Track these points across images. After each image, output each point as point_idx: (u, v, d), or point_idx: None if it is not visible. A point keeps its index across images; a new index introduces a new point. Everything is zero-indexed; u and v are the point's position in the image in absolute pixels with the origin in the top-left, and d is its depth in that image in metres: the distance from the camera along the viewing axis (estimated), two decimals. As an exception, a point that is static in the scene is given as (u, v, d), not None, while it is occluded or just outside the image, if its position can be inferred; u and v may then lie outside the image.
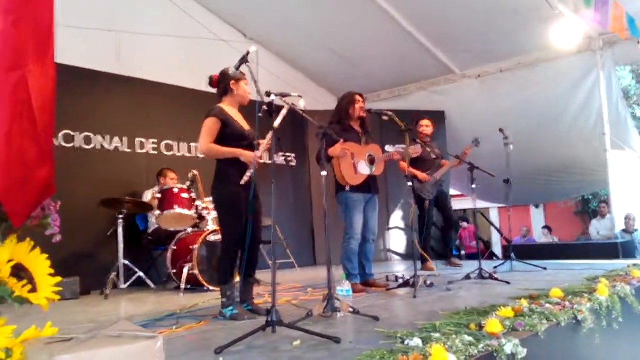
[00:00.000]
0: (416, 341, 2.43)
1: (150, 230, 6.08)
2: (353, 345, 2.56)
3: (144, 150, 6.73)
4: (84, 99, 6.17)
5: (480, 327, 2.69)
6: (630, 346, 3.76)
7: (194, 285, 5.26)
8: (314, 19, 7.90)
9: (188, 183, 5.54)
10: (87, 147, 6.23)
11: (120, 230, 5.40)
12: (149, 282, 5.55)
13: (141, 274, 5.45)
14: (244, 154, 3.44)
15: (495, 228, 10.02)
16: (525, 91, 8.28)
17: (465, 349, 2.30)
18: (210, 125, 3.49)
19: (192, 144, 7.19)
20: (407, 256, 8.82)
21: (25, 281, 1.21)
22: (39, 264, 1.30)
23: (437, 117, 9.21)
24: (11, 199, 1.15)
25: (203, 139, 3.51)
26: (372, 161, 4.69)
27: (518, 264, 6.08)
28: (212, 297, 4.62)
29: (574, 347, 3.04)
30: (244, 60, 3.04)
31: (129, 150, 6.57)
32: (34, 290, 1.25)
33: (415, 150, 4.83)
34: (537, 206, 14.50)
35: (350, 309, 3.27)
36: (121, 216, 5.41)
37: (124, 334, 1.21)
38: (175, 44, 7.19)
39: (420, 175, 6.24)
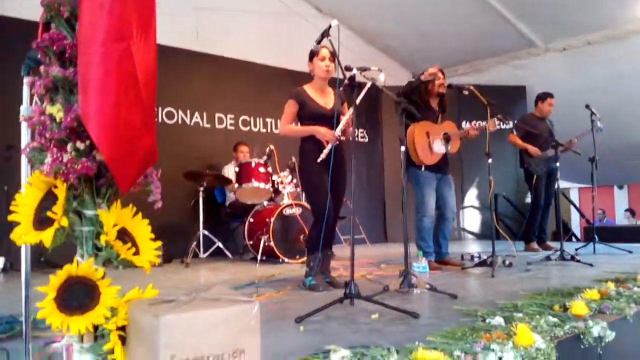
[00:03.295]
0: (498, 320, 2.39)
1: (227, 203, 6.26)
2: (432, 320, 2.55)
3: (222, 126, 6.91)
4: (166, 75, 6.37)
5: (565, 308, 2.62)
6: None
7: (270, 257, 5.40)
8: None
9: (265, 157, 5.64)
10: (169, 121, 6.46)
11: (200, 201, 5.59)
12: (227, 252, 5.73)
13: (220, 244, 5.64)
14: (319, 131, 3.47)
15: (577, 209, 9.60)
16: (613, 66, 7.81)
17: (550, 329, 2.24)
18: (289, 107, 3.63)
19: (268, 119, 7.31)
20: (481, 235, 8.64)
21: (129, 244, 1.28)
22: (141, 228, 1.37)
23: (519, 93, 8.90)
24: (119, 166, 1.21)
25: (281, 121, 3.71)
26: (447, 139, 4.60)
27: (601, 246, 5.83)
28: (287, 269, 4.72)
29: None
30: (325, 34, 3.03)
31: (208, 126, 6.77)
32: (136, 253, 1.32)
33: (494, 125, 4.64)
34: (620, 187, 13.77)
35: (427, 286, 3.25)
36: (202, 188, 5.60)
37: (222, 297, 1.26)
38: (251, 21, 7.27)
39: (532, 149, 6.06)
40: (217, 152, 6.68)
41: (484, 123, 4.51)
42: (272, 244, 5.25)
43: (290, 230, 5.43)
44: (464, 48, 8.86)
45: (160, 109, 6.37)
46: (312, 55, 3.60)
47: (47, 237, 1.19)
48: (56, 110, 1.24)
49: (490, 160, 4.36)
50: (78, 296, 1.23)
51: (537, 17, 7.90)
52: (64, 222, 1.21)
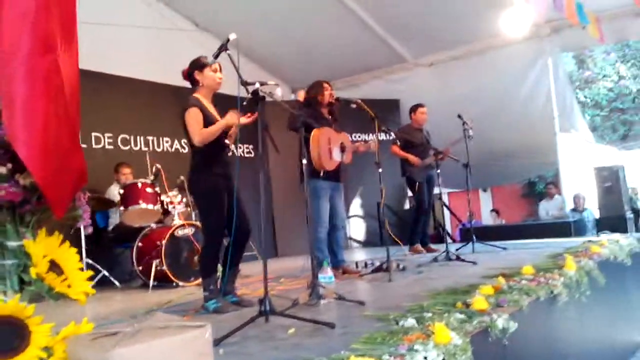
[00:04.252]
0: (410, 321, 2.47)
1: (111, 227, 5.90)
2: (348, 329, 2.58)
3: (100, 145, 6.53)
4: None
5: (467, 305, 2.77)
6: (595, 319, 3.95)
7: (163, 281, 5.16)
8: (267, 8, 7.81)
9: (152, 177, 5.40)
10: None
11: (82, 228, 5.20)
12: (113, 280, 5.39)
13: (105, 272, 5.30)
14: (228, 118, 3.36)
15: (452, 213, 10.28)
16: (476, 78, 8.48)
17: (460, 326, 2.36)
18: (195, 115, 3.38)
19: (150, 137, 7.03)
20: (366, 243, 8.94)
21: (63, 276, 1.17)
22: (69, 258, 1.25)
23: (392, 105, 9.37)
24: (51, 187, 1.10)
25: (194, 129, 3.37)
26: (342, 149, 4.73)
27: (478, 245, 6.27)
28: (184, 293, 4.54)
29: (552, 320, 3.17)
30: (222, 48, 2.99)
31: (84, 146, 6.35)
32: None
33: (375, 145, 4.84)
34: (485, 190, 14.94)
35: (335, 295, 3.30)
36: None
37: (170, 324, 1.18)
38: (129, 35, 6.96)
39: (412, 158, 6.33)
40: (95, 173, 6.27)
41: (371, 140, 4.74)
42: (164, 267, 5.02)
43: (182, 252, 5.23)
44: (340, 64, 9.17)
45: (29, 130, 5.87)
46: (203, 65, 3.50)
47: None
48: (-33, 132, 1.10)
49: (380, 170, 4.52)
50: (6, 338, 1.09)
51: (406, 34, 8.41)
52: (-14, 256, 1.07)
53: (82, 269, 1.27)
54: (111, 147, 6.66)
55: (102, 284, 5.40)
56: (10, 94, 1.06)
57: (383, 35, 8.37)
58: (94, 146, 6.48)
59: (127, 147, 6.83)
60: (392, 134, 5.65)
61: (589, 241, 5.48)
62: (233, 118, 3.32)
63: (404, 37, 8.54)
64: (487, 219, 13.53)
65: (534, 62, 8.08)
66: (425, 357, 1.98)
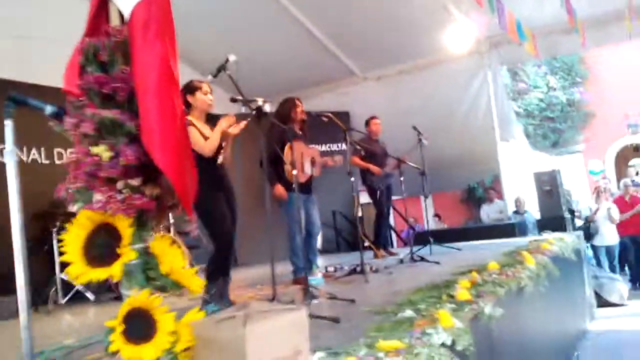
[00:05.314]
0: (409, 312, 2.76)
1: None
2: (352, 323, 2.83)
3: (61, 161, 6.49)
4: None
5: (452, 297, 3.10)
6: (552, 308, 4.40)
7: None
8: (214, 18, 7.90)
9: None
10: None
11: (55, 243, 5.21)
12: (88, 294, 5.40)
13: (80, 287, 5.30)
14: (222, 123, 3.58)
15: (404, 218, 10.71)
16: (422, 91, 8.95)
17: (454, 314, 2.68)
18: (194, 133, 3.52)
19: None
20: (323, 250, 9.20)
21: (195, 269, 1.37)
22: (176, 257, 1.45)
23: (343, 118, 9.67)
24: (184, 194, 1.30)
25: (201, 143, 3.55)
26: (312, 163, 5.00)
27: (434, 247, 6.68)
28: (167, 302, 4.64)
29: (522, 308, 3.56)
30: (222, 68, 3.19)
31: (47, 162, 6.31)
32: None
33: (340, 160, 5.20)
34: (426, 196, 15.54)
35: (327, 295, 3.55)
36: (55, 229, 5.23)
37: (271, 309, 1.41)
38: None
39: (373, 168, 6.65)
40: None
41: (338, 156, 5.10)
42: (140, 279, 5.09)
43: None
44: (292, 77, 9.40)
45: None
46: (194, 89, 3.69)
47: (116, 271, 1.24)
48: (102, 150, 1.29)
49: (352, 179, 4.82)
50: (138, 327, 1.29)
51: (356, 49, 8.80)
52: (132, 255, 1.26)
53: (185, 267, 1.47)
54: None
55: (77, 299, 5.40)
56: (148, 116, 1.26)
57: (333, 50, 8.72)
58: (56, 162, 6.43)
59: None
60: (357, 145, 5.98)
61: (535, 240, 5.99)
62: (226, 121, 3.54)
63: (353, 51, 8.92)
64: (431, 223, 14.10)
65: (475, 75, 8.65)
66: (439, 338, 2.28)
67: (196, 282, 1.43)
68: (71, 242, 1.27)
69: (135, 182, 1.30)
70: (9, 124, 1.49)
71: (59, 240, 4.41)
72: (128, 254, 1.25)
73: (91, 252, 1.27)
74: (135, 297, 1.29)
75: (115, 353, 1.26)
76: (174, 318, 1.33)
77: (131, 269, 1.32)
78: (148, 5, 1.27)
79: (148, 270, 1.32)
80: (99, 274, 1.24)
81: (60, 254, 4.39)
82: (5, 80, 5.77)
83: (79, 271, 1.25)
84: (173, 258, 1.41)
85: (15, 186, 1.45)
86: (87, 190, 1.31)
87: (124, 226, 1.26)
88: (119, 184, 1.29)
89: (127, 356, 1.23)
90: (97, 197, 1.28)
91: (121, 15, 1.33)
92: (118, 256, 1.25)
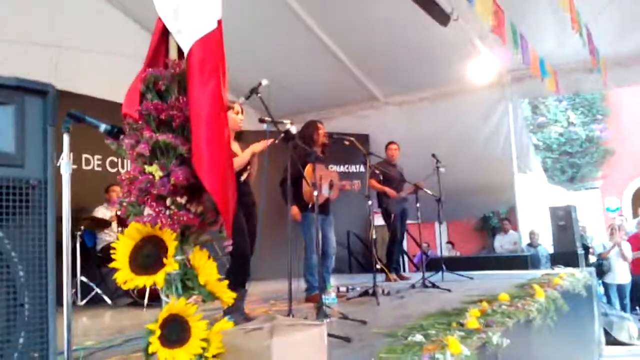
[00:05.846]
0: (418, 337, 2.86)
1: (99, 247, 6.06)
2: (364, 343, 2.94)
3: (89, 167, 6.70)
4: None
5: (462, 324, 3.19)
6: (560, 342, 4.45)
7: (155, 300, 5.36)
8: (243, 39, 8.12)
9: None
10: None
11: (78, 246, 5.40)
12: (106, 298, 5.56)
13: (99, 290, 5.47)
14: (254, 146, 3.79)
15: (418, 244, 10.78)
16: (443, 119, 9.08)
17: (462, 341, 2.77)
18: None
19: (135, 161, 7.24)
20: (336, 270, 9.27)
21: (226, 281, 1.51)
22: (212, 269, 1.58)
23: (362, 140, 9.85)
24: (226, 211, 1.44)
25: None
26: (330, 186, 5.14)
27: (446, 274, 6.75)
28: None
29: (530, 340, 3.63)
30: (254, 91, 3.35)
31: (74, 166, 6.51)
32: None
33: (358, 185, 5.35)
34: (441, 223, 15.58)
35: (339, 315, 3.65)
36: (79, 233, 5.41)
37: (295, 323, 1.54)
38: (116, 62, 7.19)
39: (389, 191, 6.79)
40: (84, 194, 6.44)
41: (356, 181, 5.30)
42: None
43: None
44: (315, 97, 9.62)
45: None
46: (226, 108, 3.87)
47: (159, 279, 1.37)
48: (155, 169, 1.44)
49: (370, 202, 4.95)
50: (176, 331, 1.42)
51: (380, 75, 8.97)
52: (175, 266, 1.40)
53: (220, 279, 1.60)
54: (100, 168, 6.85)
55: (95, 301, 5.56)
56: (199, 142, 1.41)
57: (357, 74, 8.89)
58: (83, 167, 6.64)
59: (115, 170, 7.02)
60: (374, 169, 6.12)
61: (547, 274, 6.05)
62: (260, 145, 3.74)
63: (376, 76, 9.09)
64: (444, 250, 14.15)
65: (496, 106, 8.76)
66: (446, 364, 2.38)
67: (228, 294, 1.56)
68: (121, 250, 1.41)
69: (182, 200, 1.44)
70: (66, 139, 1.65)
71: (82, 244, 4.57)
72: (172, 264, 1.38)
73: (137, 261, 1.41)
74: (174, 304, 1.42)
75: (152, 354, 1.39)
76: (206, 327, 1.46)
77: (172, 278, 1.46)
78: (205, 44, 1.42)
79: (187, 280, 1.45)
80: (144, 280, 1.38)
81: (81, 257, 4.54)
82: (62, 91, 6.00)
83: (126, 277, 1.38)
84: (210, 270, 1.54)
85: (68, 196, 1.59)
86: (138, 205, 1.46)
87: (170, 239, 1.40)
88: (168, 201, 1.44)
89: (162, 358, 1.35)
90: (148, 211, 1.42)
91: (179, 50, 1.49)
92: (162, 266, 1.38)
